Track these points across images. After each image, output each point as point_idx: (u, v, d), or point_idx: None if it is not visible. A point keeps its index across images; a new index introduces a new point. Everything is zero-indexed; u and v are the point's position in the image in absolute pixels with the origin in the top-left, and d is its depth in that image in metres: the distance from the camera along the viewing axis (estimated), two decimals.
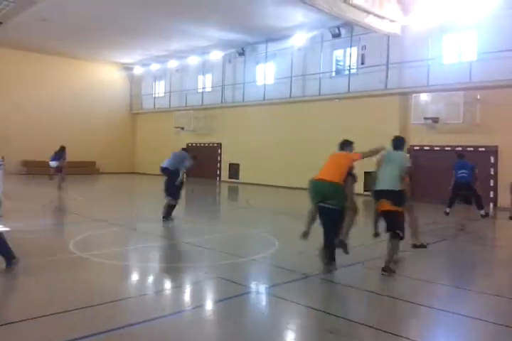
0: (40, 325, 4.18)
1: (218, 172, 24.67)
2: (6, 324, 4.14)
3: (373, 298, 5.31)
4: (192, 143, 25.89)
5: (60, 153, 17.22)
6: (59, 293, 5.13)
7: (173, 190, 9.88)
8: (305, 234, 6.32)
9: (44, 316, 4.31)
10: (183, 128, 25.47)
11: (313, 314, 4.74)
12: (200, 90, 26.02)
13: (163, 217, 9.93)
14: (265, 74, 22.53)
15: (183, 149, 11.42)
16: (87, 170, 26.85)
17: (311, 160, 20.54)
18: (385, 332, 4.21)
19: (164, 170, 10.05)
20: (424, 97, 16.40)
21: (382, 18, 15.47)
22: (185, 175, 10.29)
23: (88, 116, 27.45)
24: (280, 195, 18.51)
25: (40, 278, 5.66)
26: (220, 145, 24.47)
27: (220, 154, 24.50)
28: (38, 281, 5.53)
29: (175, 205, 10.08)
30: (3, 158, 8.61)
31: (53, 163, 17.07)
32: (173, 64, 26.92)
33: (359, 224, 7.27)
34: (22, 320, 4.22)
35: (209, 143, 24.99)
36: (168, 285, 5.89)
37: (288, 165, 20.64)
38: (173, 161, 10.15)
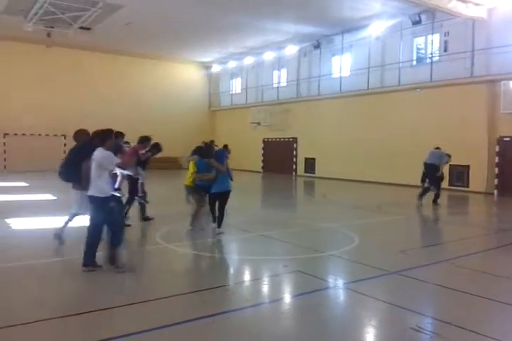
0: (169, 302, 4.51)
1: (294, 167, 24.69)
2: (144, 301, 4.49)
3: (459, 297, 5.09)
4: (268, 138, 26.13)
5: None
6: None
7: None
8: None
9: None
10: (259, 124, 25.75)
11: (396, 311, 4.64)
12: (275, 85, 26.15)
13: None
14: (341, 66, 22.14)
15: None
16: (170, 165, 28.14)
17: (389, 153, 20.09)
18: (470, 331, 4.05)
19: None
20: None
21: (466, 1, 14.60)
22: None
23: (170, 114, 28.64)
24: (357, 189, 18.16)
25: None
26: (295, 139, 24.46)
27: (296, 149, 24.50)
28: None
29: None
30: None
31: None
32: (249, 60, 27.27)
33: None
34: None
35: (285, 138, 25.07)
36: (248, 277, 6.04)
37: (365, 159, 20.20)
38: None
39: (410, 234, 9.02)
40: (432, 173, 12.75)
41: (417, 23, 18.12)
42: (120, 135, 8.05)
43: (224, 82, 30.79)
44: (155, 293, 4.99)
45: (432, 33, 18.12)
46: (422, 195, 12.90)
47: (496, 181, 16.18)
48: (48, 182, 19.22)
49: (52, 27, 20.28)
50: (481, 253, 7.44)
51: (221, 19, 19.38)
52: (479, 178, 16.68)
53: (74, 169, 6.36)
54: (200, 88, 30.88)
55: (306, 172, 23.86)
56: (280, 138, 25.35)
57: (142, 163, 9.05)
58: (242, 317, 4.48)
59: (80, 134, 7.19)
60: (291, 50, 24.04)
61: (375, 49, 20.23)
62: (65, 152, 25.22)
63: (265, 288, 5.45)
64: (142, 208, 9.39)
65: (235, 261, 6.91)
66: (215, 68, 30.13)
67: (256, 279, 5.84)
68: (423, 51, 19.27)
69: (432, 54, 18.56)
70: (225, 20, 19.55)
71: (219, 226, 8.12)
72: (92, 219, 5.84)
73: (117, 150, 6.18)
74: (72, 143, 7.33)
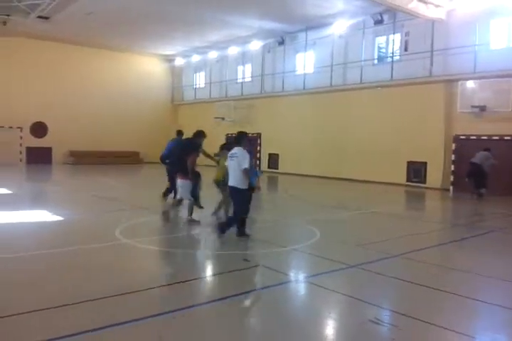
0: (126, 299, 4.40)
1: (258, 163, 24.76)
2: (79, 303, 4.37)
3: (414, 289, 5.25)
4: (232, 134, 26.06)
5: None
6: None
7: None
8: None
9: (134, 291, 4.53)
10: (223, 119, 25.65)
11: (355, 303, 4.74)
12: (239, 80, 26.10)
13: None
14: (305, 63, 22.33)
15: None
16: (131, 159, 27.62)
17: (351, 149, 20.48)
18: (425, 322, 4.18)
19: None
20: (471, 84, 15.83)
21: (426, 3, 15.00)
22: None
23: (131, 107, 28.12)
24: (320, 185, 18.41)
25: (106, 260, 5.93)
26: (259, 135, 24.53)
27: (260, 144, 24.57)
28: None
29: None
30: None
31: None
32: (213, 55, 27.07)
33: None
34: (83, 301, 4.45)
35: (248, 134, 25.02)
36: (209, 272, 6.03)
37: (328, 155, 20.50)
38: None
39: (369, 229, 9.22)
40: (475, 171, 14.06)
41: (379, 22, 18.48)
42: (180, 133, 11.28)
43: (187, 75, 30.47)
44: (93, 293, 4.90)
45: (393, 33, 18.54)
46: (476, 188, 14.32)
47: (451, 178, 16.75)
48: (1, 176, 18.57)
49: (8, 15, 19.50)
50: (436, 247, 7.70)
51: (185, 12, 19.13)
52: (436, 175, 17.23)
53: (180, 161, 8.32)
54: (163, 81, 30.46)
55: (269, 167, 23.97)
56: None
57: None
58: (200, 314, 4.46)
59: (180, 132, 11.12)
60: (256, 45, 24.04)
61: (338, 47, 20.50)
62: (21, 145, 24.52)
63: (226, 283, 5.44)
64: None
65: (195, 256, 6.87)
66: (179, 61, 29.75)
67: (218, 274, 5.83)
68: (384, 50, 19.69)
69: (392, 53, 18.99)
70: (189, 13, 19.31)
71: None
72: (236, 204, 7.43)
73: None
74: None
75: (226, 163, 7.78)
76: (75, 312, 4.24)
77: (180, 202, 8.89)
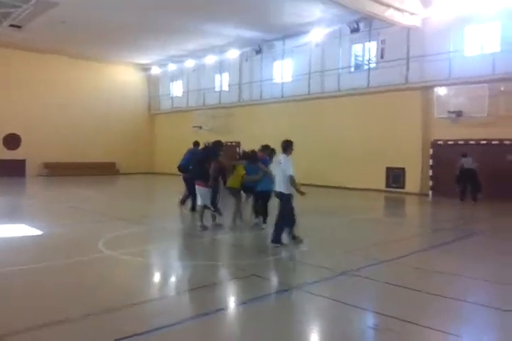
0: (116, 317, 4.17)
1: None
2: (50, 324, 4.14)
3: (409, 294, 5.19)
4: (209, 142, 25.84)
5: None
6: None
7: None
8: None
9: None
10: (201, 128, 25.48)
11: (352, 310, 4.64)
12: (217, 89, 26.02)
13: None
14: (283, 72, 22.41)
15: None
16: (107, 171, 27.09)
17: (330, 156, 20.53)
18: (423, 326, 4.16)
19: None
20: (446, 91, 16.12)
21: (402, 11, 15.26)
22: None
23: (107, 118, 27.65)
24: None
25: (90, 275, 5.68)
26: (238, 143, 24.41)
27: (239, 152, 24.43)
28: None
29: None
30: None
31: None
32: (190, 63, 26.93)
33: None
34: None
35: (227, 142, 24.93)
36: (201, 283, 5.85)
37: (307, 162, 20.49)
38: None
39: (354, 235, 9.17)
40: (471, 177, 14.42)
41: (355, 30, 18.70)
42: (196, 144, 12.02)
43: (164, 84, 30.23)
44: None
45: (370, 41, 18.79)
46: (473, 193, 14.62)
47: (430, 183, 16.94)
48: None
49: None
50: (422, 252, 7.70)
51: (161, 21, 18.99)
52: (414, 180, 17.41)
53: (200, 169, 8.78)
54: (140, 91, 30.12)
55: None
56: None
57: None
58: (191, 328, 4.28)
59: (196, 143, 11.96)
60: (233, 54, 24.03)
61: (315, 55, 20.66)
62: None
63: (218, 294, 5.28)
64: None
65: (186, 267, 6.68)
66: (155, 70, 29.50)
67: (213, 284, 5.64)
68: (360, 58, 19.92)
69: (369, 61, 19.21)
70: (165, 23, 19.17)
71: (264, 221, 9.18)
72: (282, 209, 7.50)
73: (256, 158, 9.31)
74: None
75: (244, 172, 9.05)
76: (59, 331, 4.01)
77: (204, 208, 9.05)
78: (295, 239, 7.61)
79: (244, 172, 9.19)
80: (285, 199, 7.47)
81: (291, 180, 7.37)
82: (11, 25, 19.24)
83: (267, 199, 9.02)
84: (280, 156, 7.73)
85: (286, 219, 7.49)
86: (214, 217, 9.31)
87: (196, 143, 12.16)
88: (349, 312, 4.60)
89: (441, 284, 5.70)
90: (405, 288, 5.34)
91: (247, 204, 9.99)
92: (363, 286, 5.53)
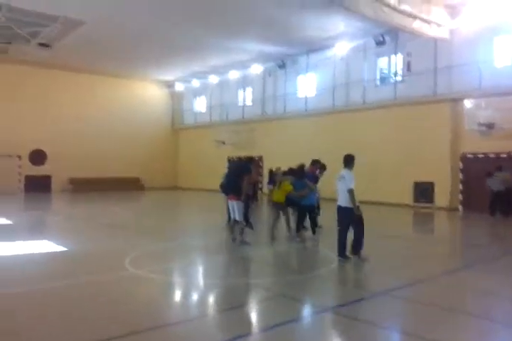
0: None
1: (261, 186, 24.40)
2: None
3: (453, 317, 4.84)
4: (233, 157, 25.82)
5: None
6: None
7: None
8: None
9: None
10: (224, 143, 25.45)
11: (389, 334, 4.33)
12: (240, 104, 26.04)
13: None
14: (306, 86, 22.27)
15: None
16: (132, 185, 27.20)
17: (356, 170, 20.02)
18: None
19: None
20: (476, 102, 15.66)
21: (429, 22, 14.97)
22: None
23: (132, 133, 27.95)
24: (326, 208, 17.97)
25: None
26: (261, 158, 24.25)
27: (262, 167, 24.26)
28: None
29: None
30: None
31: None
32: (213, 79, 27.10)
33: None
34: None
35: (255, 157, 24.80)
36: (224, 305, 5.59)
37: (332, 177, 20.14)
38: None
39: (390, 254, 8.80)
40: (503, 199, 14.23)
41: (380, 43, 18.44)
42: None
43: (187, 100, 30.46)
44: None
45: (395, 53, 18.52)
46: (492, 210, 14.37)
47: (460, 197, 16.41)
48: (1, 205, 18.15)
49: (9, 42, 19.49)
50: (465, 270, 7.29)
51: (184, 38, 19.18)
52: (444, 195, 16.88)
53: (233, 184, 8.82)
54: (163, 106, 30.42)
55: None
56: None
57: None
58: None
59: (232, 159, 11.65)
60: (256, 69, 24.07)
61: (340, 69, 20.47)
62: (20, 173, 24.13)
63: (249, 316, 5.02)
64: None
65: (216, 286, 6.43)
66: (178, 86, 29.77)
67: (239, 306, 5.38)
68: (386, 71, 19.64)
69: (395, 74, 18.92)
70: (189, 39, 19.35)
71: (313, 232, 9.86)
72: (342, 223, 7.48)
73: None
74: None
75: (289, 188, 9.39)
76: None
77: (236, 222, 9.09)
78: (356, 254, 7.52)
79: (291, 187, 9.47)
80: (353, 214, 7.32)
81: (351, 194, 7.29)
82: (40, 44, 19.66)
83: (312, 212, 9.77)
84: (342, 171, 7.63)
85: (361, 230, 7.42)
86: (242, 232, 9.13)
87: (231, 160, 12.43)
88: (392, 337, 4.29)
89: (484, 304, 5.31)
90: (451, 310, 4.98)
91: (292, 217, 10.24)
92: (400, 308, 5.19)
